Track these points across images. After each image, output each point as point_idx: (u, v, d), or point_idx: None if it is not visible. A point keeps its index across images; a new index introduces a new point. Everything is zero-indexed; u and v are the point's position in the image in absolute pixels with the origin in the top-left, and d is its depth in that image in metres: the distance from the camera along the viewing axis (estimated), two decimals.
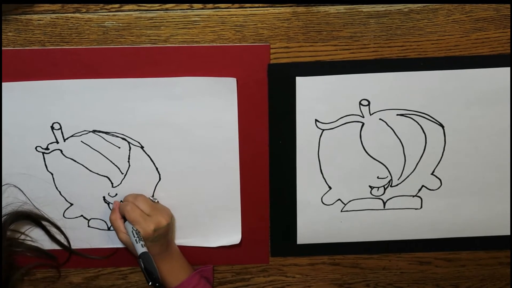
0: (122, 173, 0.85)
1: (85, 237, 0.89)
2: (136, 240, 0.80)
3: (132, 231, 0.81)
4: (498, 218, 0.90)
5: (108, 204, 0.87)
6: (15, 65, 0.77)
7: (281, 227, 0.90)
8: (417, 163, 0.85)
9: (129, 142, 0.83)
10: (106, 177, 0.85)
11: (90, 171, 0.84)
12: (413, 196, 0.88)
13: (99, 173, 0.85)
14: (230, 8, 0.76)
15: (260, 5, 0.76)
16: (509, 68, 0.80)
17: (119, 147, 0.83)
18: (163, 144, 0.83)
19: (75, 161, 0.84)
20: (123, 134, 0.82)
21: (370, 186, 0.87)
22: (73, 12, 0.75)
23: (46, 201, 0.86)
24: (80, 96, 0.79)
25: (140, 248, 0.80)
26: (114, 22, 0.76)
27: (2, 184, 0.83)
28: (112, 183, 0.85)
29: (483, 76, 0.80)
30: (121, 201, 0.87)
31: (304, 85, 0.80)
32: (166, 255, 0.86)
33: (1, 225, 0.82)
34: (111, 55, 0.77)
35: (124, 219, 0.84)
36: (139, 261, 0.79)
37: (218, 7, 0.75)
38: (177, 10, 0.75)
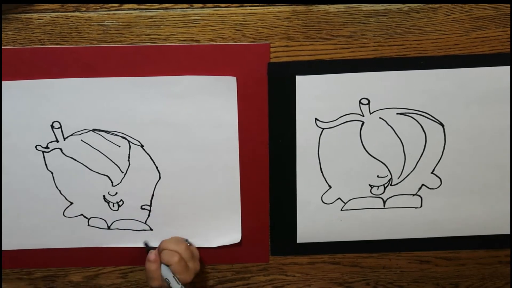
0: (122, 172, 0.85)
1: (85, 236, 0.89)
2: (179, 285, 0.83)
3: (175, 277, 0.83)
4: (498, 217, 0.90)
5: (108, 203, 0.87)
6: (15, 64, 0.77)
7: (281, 226, 0.90)
8: (417, 162, 0.85)
9: (129, 141, 0.83)
10: (106, 176, 0.85)
11: (90, 170, 0.84)
12: (413, 195, 0.88)
13: (99, 172, 0.85)
14: (230, 7, 0.76)
15: (260, 4, 0.76)
16: (509, 67, 0.80)
17: (119, 146, 0.83)
18: (163, 143, 0.83)
19: (75, 160, 0.84)
20: (123, 133, 0.82)
21: (370, 185, 0.87)
22: (73, 11, 0.75)
23: (46, 200, 0.86)
24: (80, 95, 0.79)
25: None
26: (114, 21, 0.76)
27: None
28: (112, 182, 0.85)
29: (483, 75, 0.80)
30: (146, 244, 0.88)
31: (304, 84, 0.80)
32: None
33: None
34: (111, 54, 0.77)
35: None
36: None
37: (218, 6, 0.75)
38: (177, 9, 0.75)
